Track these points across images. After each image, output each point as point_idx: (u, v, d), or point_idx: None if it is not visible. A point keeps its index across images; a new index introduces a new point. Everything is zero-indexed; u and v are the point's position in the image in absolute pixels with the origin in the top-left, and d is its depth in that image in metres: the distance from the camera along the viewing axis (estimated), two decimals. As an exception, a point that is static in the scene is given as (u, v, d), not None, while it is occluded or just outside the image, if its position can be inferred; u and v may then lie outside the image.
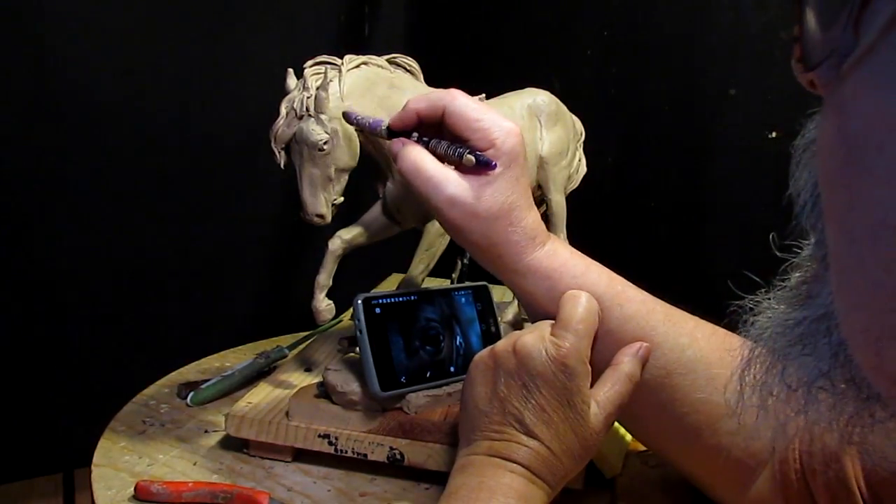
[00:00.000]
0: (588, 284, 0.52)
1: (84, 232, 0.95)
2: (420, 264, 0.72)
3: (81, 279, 0.96)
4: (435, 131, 0.54)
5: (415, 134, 0.54)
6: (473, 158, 0.50)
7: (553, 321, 0.51)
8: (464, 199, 0.51)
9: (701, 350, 0.51)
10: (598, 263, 0.55)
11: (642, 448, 0.66)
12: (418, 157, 0.52)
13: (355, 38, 1.13)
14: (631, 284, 0.54)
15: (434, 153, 0.53)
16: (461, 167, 0.52)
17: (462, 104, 0.52)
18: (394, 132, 0.55)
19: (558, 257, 0.53)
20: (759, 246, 0.35)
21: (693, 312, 0.55)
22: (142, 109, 0.96)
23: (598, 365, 0.51)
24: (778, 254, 0.30)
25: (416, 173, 0.52)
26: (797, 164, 0.27)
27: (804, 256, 0.29)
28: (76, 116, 0.92)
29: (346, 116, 0.59)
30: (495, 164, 0.51)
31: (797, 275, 0.30)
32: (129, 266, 0.99)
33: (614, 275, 0.54)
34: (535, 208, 0.54)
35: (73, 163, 0.93)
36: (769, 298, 0.31)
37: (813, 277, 0.27)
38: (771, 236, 0.30)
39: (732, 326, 0.35)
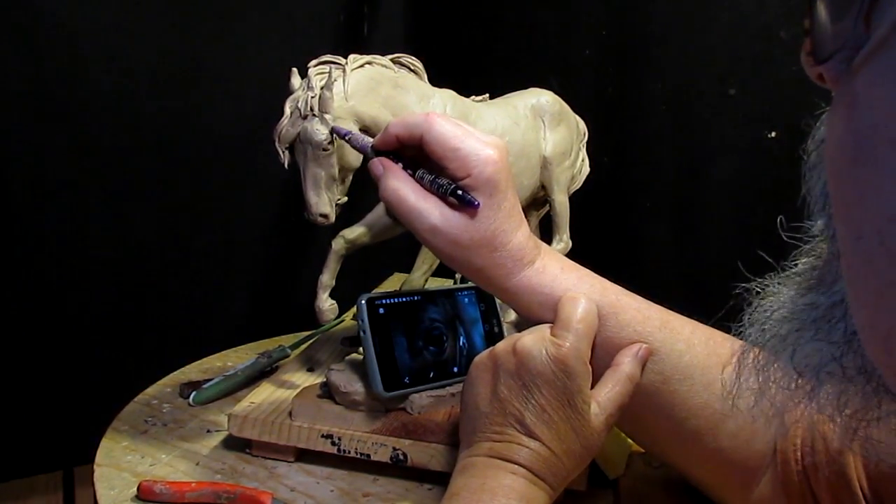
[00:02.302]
0: None
1: (85, 231, 0.95)
2: (423, 265, 0.72)
3: (83, 278, 0.96)
4: (416, 153, 0.54)
5: (399, 164, 0.53)
6: (456, 200, 0.50)
7: (553, 323, 0.51)
8: (445, 230, 0.51)
9: (698, 355, 0.51)
10: (591, 273, 0.54)
11: (644, 449, 0.66)
12: (399, 188, 0.52)
13: (355, 38, 1.13)
14: (626, 292, 0.54)
15: (419, 183, 0.52)
16: (445, 199, 0.51)
17: (438, 132, 0.51)
18: (380, 153, 0.55)
19: (547, 274, 0.53)
20: (757, 245, 0.35)
21: (690, 312, 0.54)
22: (142, 109, 0.96)
23: (596, 372, 0.51)
24: (785, 237, 0.30)
25: (398, 203, 0.52)
26: (809, 167, 0.26)
27: (813, 245, 0.29)
28: (76, 116, 0.92)
29: (337, 132, 0.59)
30: (478, 203, 0.50)
31: (805, 260, 0.29)
32: (131, 265, 0.99)
33: (608, 283, 0.54)
34: (525, 226, 0.54)
35: (74, 162, 0.93)
36: (777, 283, 0.31)
37: (826, 266, 0.27)
38: (779, 219, 0.30)
39: (731, 319, 0.34)
